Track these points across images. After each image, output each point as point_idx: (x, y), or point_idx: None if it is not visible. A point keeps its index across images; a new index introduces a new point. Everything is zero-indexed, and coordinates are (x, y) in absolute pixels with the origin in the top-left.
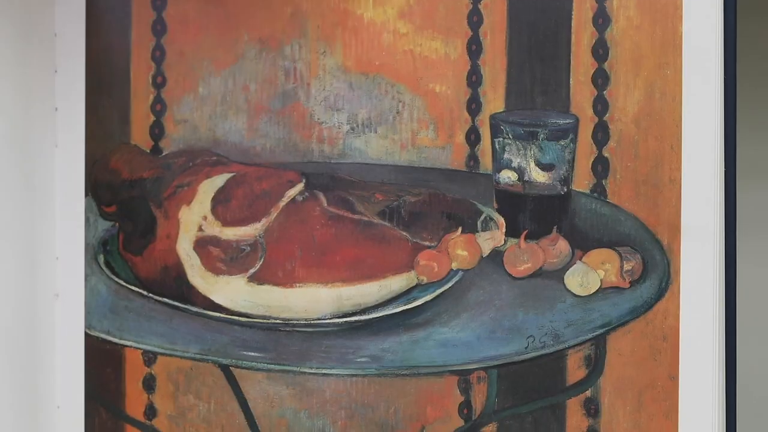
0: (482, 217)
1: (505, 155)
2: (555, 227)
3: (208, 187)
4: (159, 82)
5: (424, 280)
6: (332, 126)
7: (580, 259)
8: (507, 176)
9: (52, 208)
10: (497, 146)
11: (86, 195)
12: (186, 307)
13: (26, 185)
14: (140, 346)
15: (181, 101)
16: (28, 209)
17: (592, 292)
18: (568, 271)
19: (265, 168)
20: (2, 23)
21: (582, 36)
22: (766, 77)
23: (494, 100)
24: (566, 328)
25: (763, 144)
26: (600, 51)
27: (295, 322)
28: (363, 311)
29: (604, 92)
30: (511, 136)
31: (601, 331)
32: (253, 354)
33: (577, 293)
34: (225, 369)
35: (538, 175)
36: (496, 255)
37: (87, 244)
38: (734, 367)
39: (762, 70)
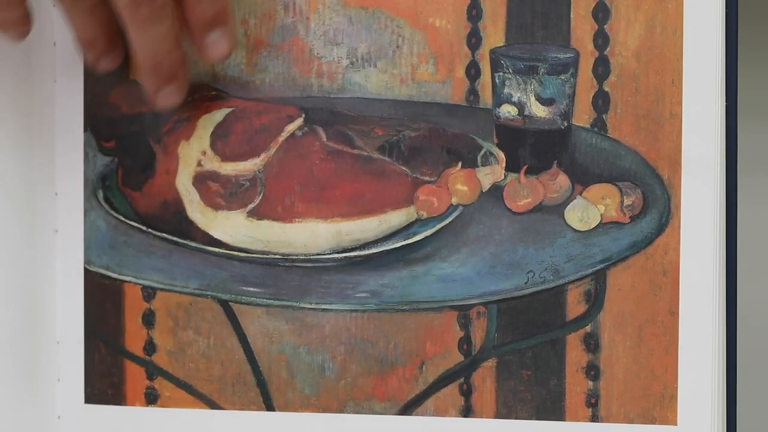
0: (482, 152)
1: (506, 90)
2: (555, 162)
3: (207, 122)
4: None
5: (424, 215)
6: (332, 60)
7: (581, 194)
8: (507, 111)
9: (51, 144)
10: (497, 81)
11: (85, 130)
12: (185, 242)
13: (25, 120)
14: (140, 281)
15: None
16: (26, 144)
17: (592, 227)
18: (568, 206)
19: (264, 103)
20: None
21: None
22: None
23: (494, 35)
24: (566, 263)
25: (764, 79)
26: None
27: (294, 257)
28: (362, 246)
29: (605, 26)
30: (511, 71)
31: (601, 266)
32: (252, 289)
33: (577, 228)
34: (224, 304)
35: (538, 110)
36: (496, 190)
37: (86, 180)
38: (734, 301)
39: (764, 4)
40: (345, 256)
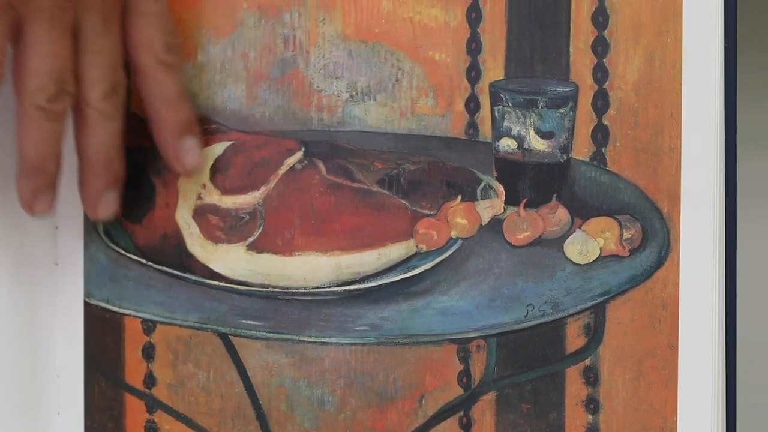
0: (482, 186)
1: (505, 123)
2: (554, 195)
3: (207, 155)
4: None
5: (424, 248)
6: (331, 94)
7: (580, 228)
8: (507, 144)
9: None
10: (497, 114)
11: None
12: (185, 275)
13: None
14: (139, 314)
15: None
16: None
17: (591, 260)
18: (567, 240)
19: (264, 136)
20: None
21: (582, 3)
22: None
23: (494, 68)
24: (566, 296)
25: (763, 111)
26: (600, 18)
27: (294, 290)
28: (362, 280)
29: (604, 60)
30: (510, 104)
31: (601, 299)
32: (252, 323)
33: (576, 261)
34: (224, 338)
35: (537, 143)
36: (496, 223)
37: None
38: (734, 335)
39: (763, 38)
40: (344, 290)
